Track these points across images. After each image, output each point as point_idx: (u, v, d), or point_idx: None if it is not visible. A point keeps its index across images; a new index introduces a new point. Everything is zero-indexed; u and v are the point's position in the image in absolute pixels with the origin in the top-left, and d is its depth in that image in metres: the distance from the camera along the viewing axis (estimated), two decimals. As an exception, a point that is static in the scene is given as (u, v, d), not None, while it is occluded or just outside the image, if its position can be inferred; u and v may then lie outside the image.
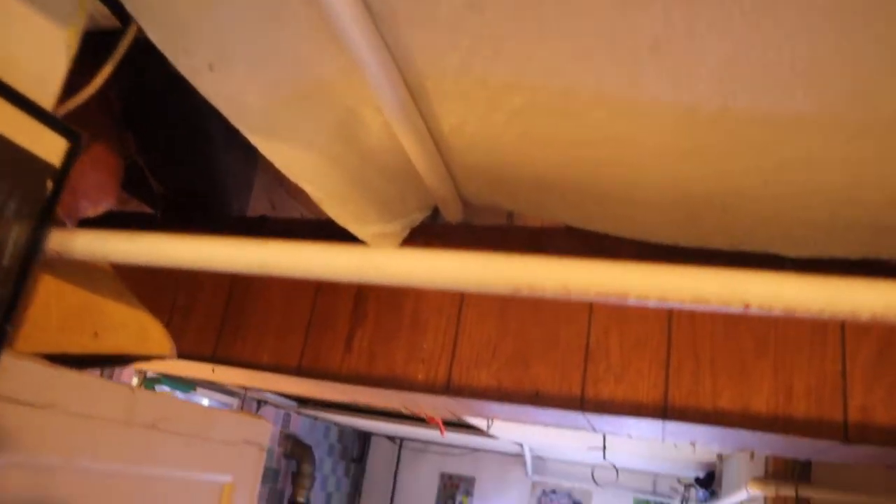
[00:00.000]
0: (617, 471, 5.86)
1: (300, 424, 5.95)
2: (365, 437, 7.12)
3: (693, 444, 1.44)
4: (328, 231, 1.45)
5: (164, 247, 0.98)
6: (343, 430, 6.75)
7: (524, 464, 6.32)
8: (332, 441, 6.58)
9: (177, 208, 1.66)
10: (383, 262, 0.91)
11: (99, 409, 0.87)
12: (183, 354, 1.54)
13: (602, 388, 1.24)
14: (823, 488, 2.42)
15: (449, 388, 1.30)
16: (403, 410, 1.58)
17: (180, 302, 1.59)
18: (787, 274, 0.69)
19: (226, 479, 1.14)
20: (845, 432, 1.15)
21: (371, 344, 1.39)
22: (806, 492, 2.41)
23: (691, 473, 5.23)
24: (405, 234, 1.43)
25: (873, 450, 1.19)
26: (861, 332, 1.19)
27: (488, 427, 3.02)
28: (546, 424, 1.53)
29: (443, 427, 3.64)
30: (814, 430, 1.16)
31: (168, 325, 1.58)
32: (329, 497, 6.59)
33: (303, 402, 5.36)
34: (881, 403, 1.15)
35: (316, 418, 6.09)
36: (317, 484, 6.19)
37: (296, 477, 5.68)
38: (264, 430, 1.29)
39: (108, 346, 1.00)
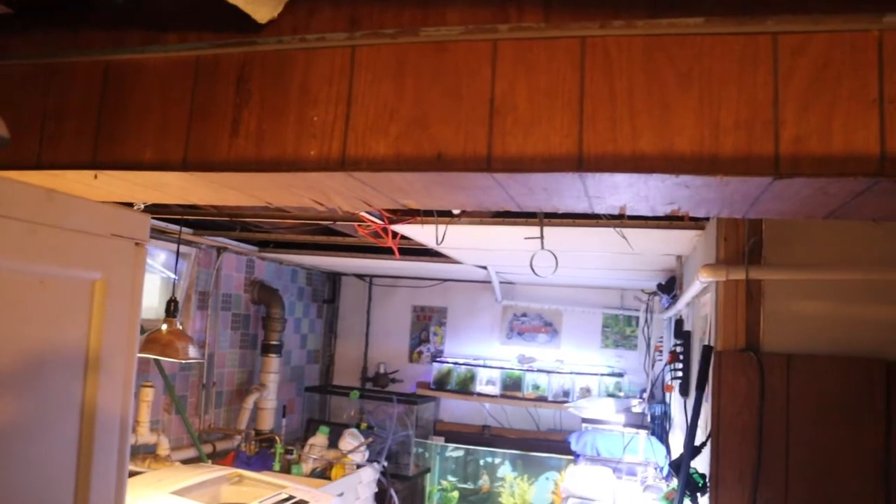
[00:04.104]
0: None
1: (265, 270, 5.89)
2: (334, 278, 7.12)
3: (624, 210, 1.33)
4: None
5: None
6: (311, 273, 6.73)
7: (493, 290, 6.36)
8: (300, 284, 6.56)
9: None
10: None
11: None
12: (61, 164, 1.39)
13: (510, 143, 1.11)
14: (774, 269, 2.38)
15: (344, 163, 1.17)
16: (318, 208, 1.46)
17: (51, 107, 1.42)
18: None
19: (94, 276, 1.02)
20: (777, 166, 1.04)
21: (259, 124, 1.24)
22: (757, 274, 2.37)
23: (652, 283, 5.27)
24: (285, -4, 1.25)
25: (805, 185, 1.09)
26: (795, 52, 1.05)
27: (439, 241, 2.94)
28: (462, 207, 1.41)
29: (397, 252, 3.57)
30: (743, 167, 1.05)
31: (42, 135, 1.42)
32: (304, 339, 6.65)
33: (263, 245, 5.28)
34: (815, 132, 1.04)
35: (280, 262, 6.03)
36: (290, 327, 6.22)
37: (266, 321, 5.69)
38: (138, 223, 1.16)
39: None
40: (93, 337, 1.02)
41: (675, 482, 3.95)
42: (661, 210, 1.33)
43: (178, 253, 3.88)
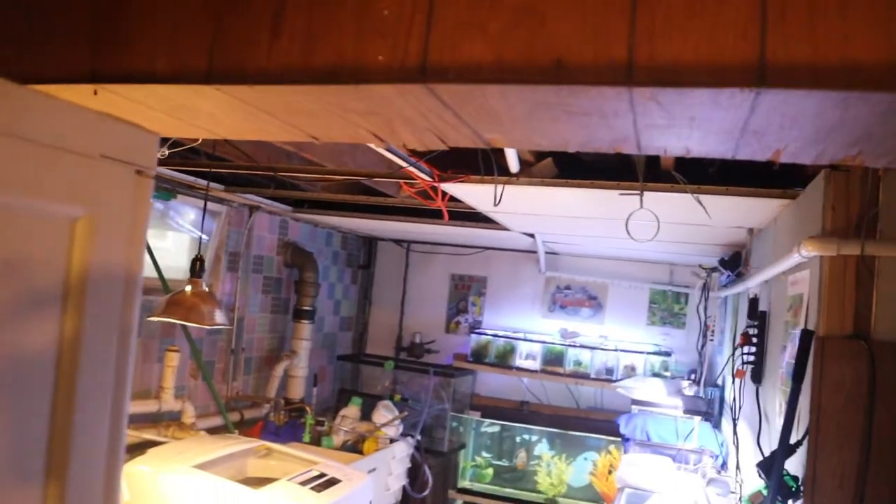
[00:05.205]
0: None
1: (300, 231, 5.63)
2: (370, 243, 6.84)
3: (778, 156, 1.01)
4: None
5: None
6: (346, 237, 6.45)
7: (537, 260, 6.05)
8: (335, 248, 6.29)
9: None
10: None
11: None
12: (49, 76, 1.09)
13: (660, 46, 0.79)
14: (894, 244, 2.03)
15: (426, 70, 0.86)
16: (377, 144, 1.15)
17: (35, 4, 1.12)
18: None
19: (74, 212, 0.73)
20: None
21: (309, 20, 0.93)
22: (875, 249, 2.03)
23: (711, 259, 4.92)
24: None
25: None
26: None
27: (497, 203, 2.62)
28: (564, 143, 1.09)
29: (446, 214, 3.27)
30: None
31: (24, 38, 1.12)
32: (337, 305, 6.40)
33: (297, 204, 5.01)
34: None
35: (316, 224, 5.76)
36: (324, 292, 5.97)
37: (299, 285, 5.44)
38: (142, 144, 0.85)
39: None
40: (72, 298, 0.73)
41: (726, 471, 3.64)
42: (833, 156, 1.00)
43: (205, 209, 3.60)
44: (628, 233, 2.45)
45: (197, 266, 3.19)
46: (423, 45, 0.86)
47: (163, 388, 3.89)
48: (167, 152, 2.81)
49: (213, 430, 4.19)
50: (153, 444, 3.40)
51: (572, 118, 0.93)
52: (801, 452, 2.12)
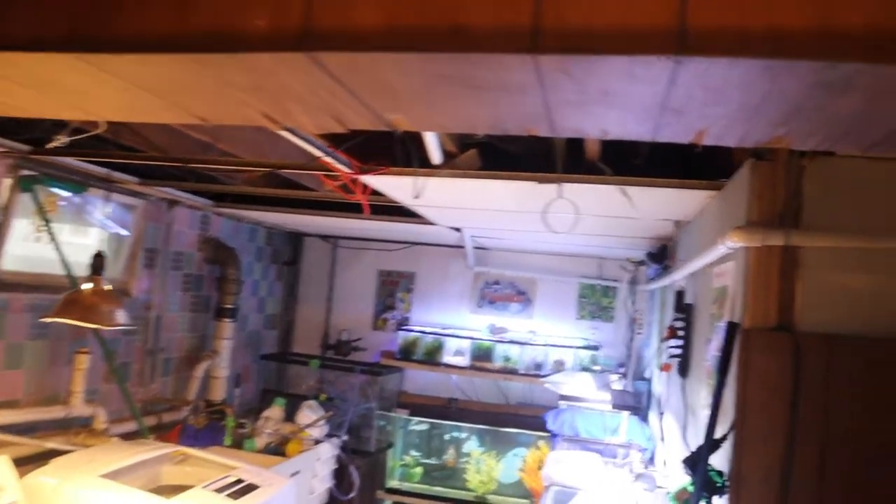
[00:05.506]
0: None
1: (222, 227, 5.44)
2: (297, 239, 6.67)
3: (701, 137, 0.94)
4: None
5: None
6: (271, 233, 6.28)
7: (465, 255, 5.98)
8: (259, 244, 6.11)
9: None
10: None
11: None
12: None
13: (569, 10, 0.71)
14: (820, 234, 2.01)
15: (308, 36, 0.76)
16: (272, 127, 1.04)
17: None
18: None
19: None
20: None
21: (180, -18, 0.83)
22: (799, 239, 2.01)
23: (639, 252, 4.93)
24: None
25: None
26: None
27: (416, 196, 2.53)
28: (473, 124, 1.01)
29: (367, 207, 3.17)
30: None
31: None
32: (262, 303, 6.22)
33: (219, 198, 4.83)
34: None
35: (239, 219, 5.57)
36: (247, 290, 5.80)
37: (221, 282, 5.26)
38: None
39: None
40: None
41: (654, 465, 3.65)
42: (759, 138, 0.94)
43: (106, 200, 3.41)
44: (546, 224, 2.38)
45: (97, 263, 3.00)
46: (307, 9, 0.76)
47: (72, 392, 3.69)
48: (68, 140, 2.62)
49: (127, 436, 4.00)
50: (59, 453, 3.21)
51: (476, 94, 0.84)
52: (727, 447, 2.09)
